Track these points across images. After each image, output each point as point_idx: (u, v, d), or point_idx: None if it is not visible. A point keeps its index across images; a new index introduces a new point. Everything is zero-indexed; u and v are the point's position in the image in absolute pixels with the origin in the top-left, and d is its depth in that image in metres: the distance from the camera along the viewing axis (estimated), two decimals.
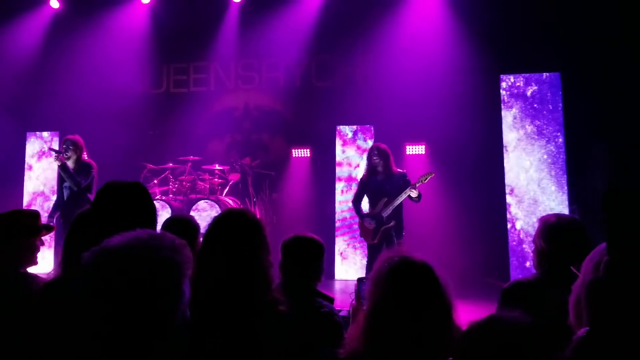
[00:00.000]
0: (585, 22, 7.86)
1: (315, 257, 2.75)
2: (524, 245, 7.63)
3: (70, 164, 6.81)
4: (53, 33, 10.06)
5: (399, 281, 1.65)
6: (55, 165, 9.28)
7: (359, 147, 9.02)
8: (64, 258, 2.13)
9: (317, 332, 2.41)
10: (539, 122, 7.82)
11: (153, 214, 2.03)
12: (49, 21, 10.13)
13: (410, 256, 1.71)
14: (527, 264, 7.50)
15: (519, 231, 7.71)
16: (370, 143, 8.56)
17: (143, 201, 2.00)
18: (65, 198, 6.82)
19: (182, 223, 3.03)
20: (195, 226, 2.98)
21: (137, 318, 1.33)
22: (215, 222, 2.30)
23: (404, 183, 6.31)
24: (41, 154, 9.59)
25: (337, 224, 8.89)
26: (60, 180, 6.94)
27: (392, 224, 6.26)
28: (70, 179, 6.64)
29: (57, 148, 6.81)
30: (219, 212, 7.55)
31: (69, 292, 1.87)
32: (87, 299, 1.35)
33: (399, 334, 1.60)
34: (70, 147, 6.80)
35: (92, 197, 6.79)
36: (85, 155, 7.02)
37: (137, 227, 1.90)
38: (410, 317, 1.60)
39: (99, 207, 1.96)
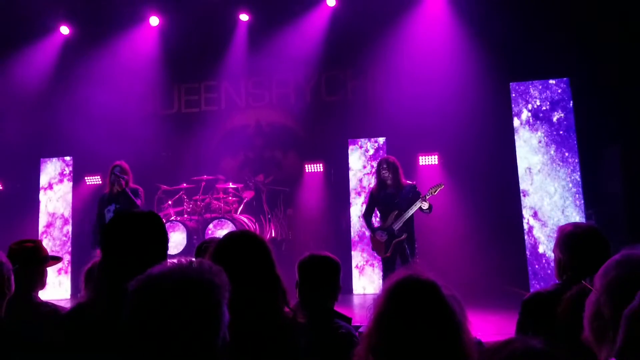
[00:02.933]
0: (592, 26, 7.84)
1: (331, 276, 2.72)
2: (539, 248, 7.54)
3: (118, 188, 6.76)
4: (64, 59, 10.20)
5: (401, 299, 1.62)
6: (63, 190, 9.48)
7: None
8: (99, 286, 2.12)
9: (336, 353, 2.38)
10: (550, 128, 7.76)
11: (164, 242, 2.04)
12: (60, 47, 10.28)
13: (418, 274, 1.68)
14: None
15: (536, 238, 7.63)
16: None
17: (154, 230, 2.01)
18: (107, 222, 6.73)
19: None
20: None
21: (186, 340, 1.40)
22: (223, 246, 2.27)
23: (413, 195, 6.27)
24: (53, 180, 9.67)
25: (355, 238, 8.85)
26: (103, 206, 6.81)
27: (404, 236, 6.22)
28: (131, 203, 6.56)
29: (119, 173, 6.75)
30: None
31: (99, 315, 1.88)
32: (133, 324, 1.42)
33: (400, 352, 1.57)
34: (121, 172, 6.78)
35: None
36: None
37: (149, 255, 1.92)
38: (413, 337, 1.57)
39: (109, 237, 1.98)
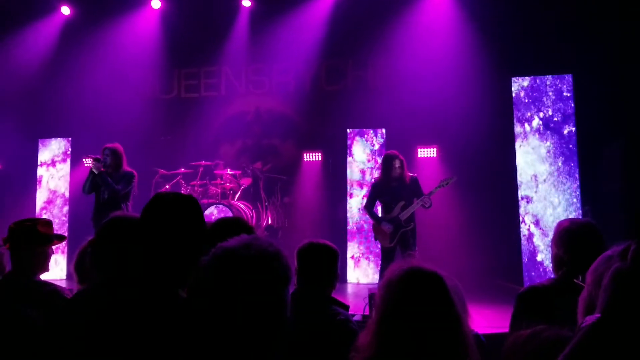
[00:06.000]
0: (596, 22, 7.82)
1: (330, 263, 2.74)
2: (534, 241, 7.57)
3: (110, 171, 6.69)
4: (64, 39, 10.13)
5: (408, 289, 1.66)
6: (62, 170, 9.51)
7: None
8: (95, 263, 2.10)
9: (333, 339, 2.40)
10: (551, 123, 7.76)
11: (203, 227, 2.02)
12: (60, 28, 10.20)
13: (422, 265, 1.72)
14: (539, 257, 7.46)
15: (531, 233, 7.65)
16: None
17: (195, 215, 1.99)
18: (101, 200, 6.65)
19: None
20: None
21: (264, 310, 1.42)
22: (215, 228, 2.29)
23: (416, 186, 6.42)
24: (58, 157, 9.70)
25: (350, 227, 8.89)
26: (98, 185, 6.73)
27: (410, 226, 6.32)
28: (107, 187, 6.53)
29: (94, 155, 6.70)
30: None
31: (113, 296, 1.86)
32: (212, 297, 1.43)
33: (406, 342, 1.60)
34: (110, 156, 6.72)
35: (129, 204, 6.71)
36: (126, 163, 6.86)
37: (188, 240, 1.91)
38: (418, 326, 1.61)
39: (149, 218, 1.95)
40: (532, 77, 7.92)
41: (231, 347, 1.41)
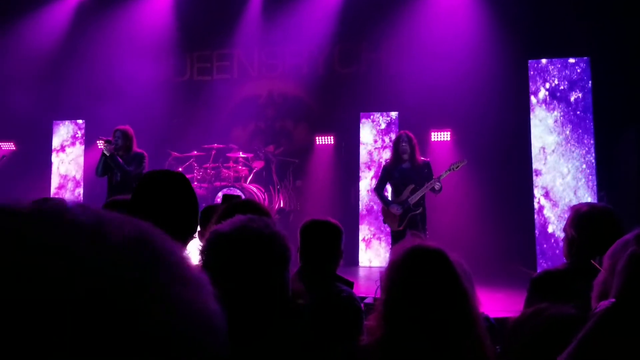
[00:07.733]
0: (615, 4, 7.66)
1: (333, 240, 2.71)
2: (545, 213, 7.51)
3: (121, 153, 6.71)
4: (78, 22, 10.17)
5: (412, 267, 1.64)
6: (77, 152, 9.55)
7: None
8: None
9: (337, 317, 2.39)
10: (567, 108, 7.65)
11: (195, 203, 2.00)
12: (74, 10, 10.23)
13: (425, 243, 1.69)
14: (550, 228, 7.41)
15: (542, 205, 7.59)
16: None
17: (185, 191, 1.97)
18: (114, 183, 6.68)
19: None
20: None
21: (262, 290, 1.42)
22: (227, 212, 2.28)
23: (428, 171, 6.32)
24: (67, 142, 9.76)
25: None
26: (110, 167, 6.74)
27: (419, 210, 6.25)
28: (119, 168, 6.56)
29: (105, 137, 6.73)
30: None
31: None
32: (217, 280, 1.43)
33: (414, 321, 1.58)
34: (121, 138, 6.72)
35: None
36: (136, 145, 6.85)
37: (180, 217, 1.89)
38: (424, 304, 1.58)
39: (140, 196, 1.93)
40: (548, 59, 7.79)
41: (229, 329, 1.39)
